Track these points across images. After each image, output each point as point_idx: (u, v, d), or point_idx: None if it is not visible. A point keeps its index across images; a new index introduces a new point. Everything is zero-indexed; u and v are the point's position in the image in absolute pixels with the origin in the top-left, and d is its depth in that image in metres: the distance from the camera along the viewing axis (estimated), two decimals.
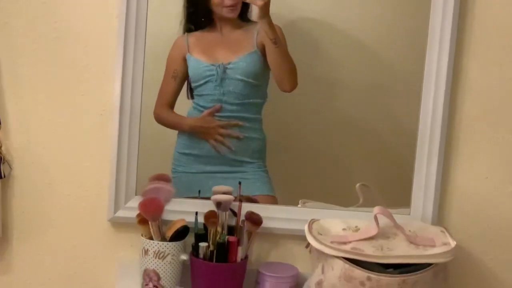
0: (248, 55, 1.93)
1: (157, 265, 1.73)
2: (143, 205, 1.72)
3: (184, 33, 1.94)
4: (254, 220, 1.78)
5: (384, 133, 1.97)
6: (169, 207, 1.78)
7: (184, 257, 1.75)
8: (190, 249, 1.77)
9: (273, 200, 1.95)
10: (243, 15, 1.94)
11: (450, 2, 1.77)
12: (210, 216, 1.75)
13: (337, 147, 1.99)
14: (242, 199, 1.84)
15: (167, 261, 1.73)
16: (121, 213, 1.84)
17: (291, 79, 1.91)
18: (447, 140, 1.82)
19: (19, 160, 1.86)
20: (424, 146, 1.82)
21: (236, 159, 1.95)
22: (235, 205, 1.80)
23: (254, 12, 1.87)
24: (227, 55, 1.94)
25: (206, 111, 1.92)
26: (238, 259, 1.74)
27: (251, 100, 1.94)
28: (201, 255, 1.74)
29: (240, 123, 1.93)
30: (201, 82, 1.94)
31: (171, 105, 1.96)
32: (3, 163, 1.82)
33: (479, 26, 1.81)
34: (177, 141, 1.97)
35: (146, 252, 1.74)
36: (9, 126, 1.84)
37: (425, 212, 1.83)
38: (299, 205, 1.92)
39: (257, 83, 1.94)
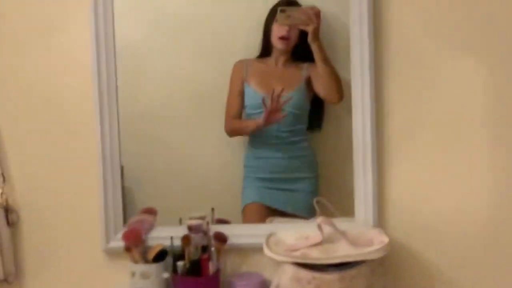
0: (297, 89, 2.21)
1: (144, 284, 2.04)
2: (124, 235, 2.06)
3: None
4: (220, 238, 2.08)
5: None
6: (152, 234, 2.12)
7: (165, 275, 2.05)
8: (171, 268, 2.06)
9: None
10: (296, 54, 2.22)
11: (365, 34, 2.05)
12: (185, 239, 2.05)
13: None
14: (213, 222, 2.16)
15: (151, 280, 2.04)
16: (113, 244, 2.14)
17: (340, 91, 2.17)
18: (378, 153, 2.08)
19: (23, 207, 2.19)
20: (359, 160, 2.09)
21: (287, 177, 2.26)
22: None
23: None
24: (280, 88, 2.19)
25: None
26: (211, 272, 2.04)
27: (297, 127, 2.23)
28: (179, 272, 2.04)
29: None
30: (257, 111, 2.21)
31: (237, 116, 2.24)
32: (11, 213, 2.16)
33: (394, 53, 2.07)
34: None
35: (133, 274, 2.05)
36: (13, 180, 2.19)
37: (366, 217, 2.09)
38: (267, 223, 2.21)
39: (303, 113, 2.24)
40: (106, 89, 2.12)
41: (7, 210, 2.16)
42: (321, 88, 2.20)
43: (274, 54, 2.23)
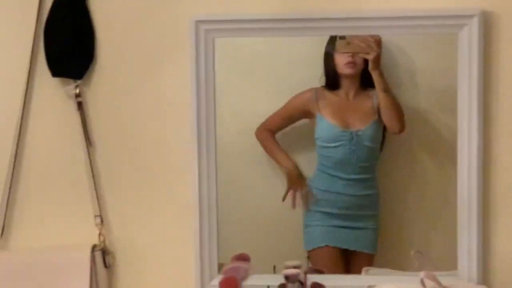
0: (373, 123, 2.16)
1: None
2: (221, 284, 2.02)
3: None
4: None
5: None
6: (247, 282, 2.09)
7: None
8: None
9: (369, 257, 2.19)
10: (364, 82, 2.16)
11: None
12: None
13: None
14: (309, 271, 2.11)
15: None
16: None
17: (401, 121, 2.13)
18: (484, 208, 2.02)
19: (120, 250, 2.20)
20: (463, 216, 2.03)
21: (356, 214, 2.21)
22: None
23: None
24: (356, 122, 2.17)
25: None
26: None
27: (372, 163, 2.19)
28: None
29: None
30: (334, 145, 2.17)
31: (272, 133, 2.19)
32: (108, 254, 2.17)
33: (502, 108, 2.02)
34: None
35: None
36: (111, 222, 2.20)
37: (470, 273, 2.03)
38: (362, 273, 2.16)
39: (377, 146, 2.19)
40: (205, 133, 2.10)
41: (105, 252, 2.16)
42: (383, 117, 2.15)
43: (344, 85, 2.18)
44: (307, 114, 2.19)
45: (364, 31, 2.05)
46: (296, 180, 2.20)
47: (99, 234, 2.17)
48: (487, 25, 1.98)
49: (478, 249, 2.02)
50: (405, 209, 2.19)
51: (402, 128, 2.14)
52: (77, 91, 2.15)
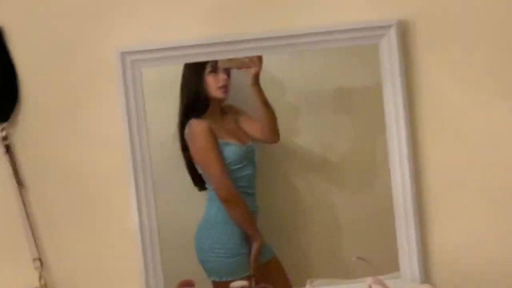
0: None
1: None
2: None
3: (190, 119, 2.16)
4: None
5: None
6: None
7: None
8: None
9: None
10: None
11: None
12: None
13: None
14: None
15: None
16: None
17: (278, 131, 2.19)
18: (419, 207, 2.10)
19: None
20: (400, 216, 2.10)
21: None
22: None
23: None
24: (243, 137, 2.21)
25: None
26: None
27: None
28: None
29: None
30: (243, 164, 2.20)
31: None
32: None
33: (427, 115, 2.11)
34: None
35: None
36: (50, 264, 2.14)
37: (412, 274, 2.09)
38: (307, 285, 2.19)
39: None
40: (140, 162, 2.09)
41: None
42: (260, 131, 2.20)
43: (212, 109, 2.20)
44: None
45: (289, 49, 2.09)
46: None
47: (40, 277, 2.12)
48: (405, 33, 2.07)
49: (418, 248, 2.09)
50: (335, 218, 2.25)
51: (278, 138, 2.20)
52: (4, 134, 2.10)
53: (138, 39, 2.08)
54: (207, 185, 2.20)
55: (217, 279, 2.20)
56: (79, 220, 2.15)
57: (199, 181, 2.21)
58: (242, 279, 2.18)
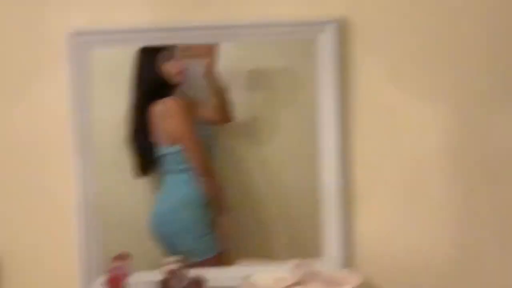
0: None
1: None
2: (106, 283, 2.11)
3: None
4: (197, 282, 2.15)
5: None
6: (131, 280, 2.17)
7: None
8: None
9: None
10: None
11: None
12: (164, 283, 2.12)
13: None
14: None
15: None
16: None
17: (230, 112, 2.27)
18: (346, 196, 2.21)
19: (3, 255, 2.23)
20: (328, 204, 2.21)
21: None
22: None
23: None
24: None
25: None
26: None
27: None
28: None
29: None
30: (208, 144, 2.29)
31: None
32: None
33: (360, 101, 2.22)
34: None
35: None
36: None
37: (336, 258, 2.21)
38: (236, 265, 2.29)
39: None
40: (82, 138, 2.17)
41: None
42: (216, 113, 2.27)
43: (172, 93, 2.27)
44: None
45: (231, 38, 2.18)
46: None
47: None
48: (342, 30, 2.17)
49: (342, 235, 2.21)
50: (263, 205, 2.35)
51: (231, 118, 2.28)
52: None
53: (89, 21, 2.15)
54: (169, 168, 2.29)
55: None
56: (17, 191, 2.22)
57: (147, 166, 2.29)
58: (209, 259, 2.30)
